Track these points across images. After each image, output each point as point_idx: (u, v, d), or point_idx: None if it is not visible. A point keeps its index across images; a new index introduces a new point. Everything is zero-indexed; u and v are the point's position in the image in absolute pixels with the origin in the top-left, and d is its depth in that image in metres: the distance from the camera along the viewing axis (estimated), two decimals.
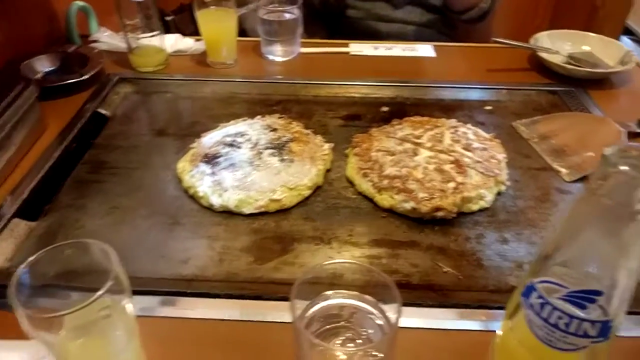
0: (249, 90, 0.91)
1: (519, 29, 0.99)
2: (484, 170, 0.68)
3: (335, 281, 0.41)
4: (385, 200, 0.65)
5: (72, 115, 0.81)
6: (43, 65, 0.91)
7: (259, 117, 0.80)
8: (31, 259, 0.36)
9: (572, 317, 0.31)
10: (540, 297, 0.32)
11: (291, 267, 0.58)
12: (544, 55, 0.95)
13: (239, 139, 0.72)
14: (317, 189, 0.69)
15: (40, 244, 0.60)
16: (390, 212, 0.65)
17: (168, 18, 1.51)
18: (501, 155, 0.72)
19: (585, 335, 0.31)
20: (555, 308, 0.31)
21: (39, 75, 0.89)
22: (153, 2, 0.90)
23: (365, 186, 0.67)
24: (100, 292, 0.34)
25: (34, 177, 0.69)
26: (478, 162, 0.69)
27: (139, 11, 0.90)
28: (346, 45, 1.05)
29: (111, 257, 0.36)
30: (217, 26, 0.93)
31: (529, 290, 0.33)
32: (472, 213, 0.65)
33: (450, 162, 0.68)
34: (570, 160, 0.74)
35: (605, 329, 0.31)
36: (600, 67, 0.94)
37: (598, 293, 0.30)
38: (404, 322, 0.37)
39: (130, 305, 0.38)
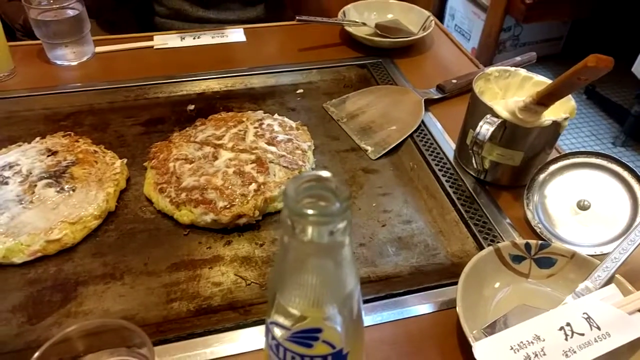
0: (31, 106, 0.78)
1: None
2: (288, 165, 0.65)
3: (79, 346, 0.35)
4: (185, 215, 0.60)
5: None
6: None
7: (38, 139, 0.69)
8: None
9: (302, 356, 0.29)
10: (273, 338, 0.29)
11: (74, 318, 0.50)
12: (350, 29, 0.94)
13: (6, 173, 0.61)
14: (110, 215, 0.61)
15: None
16: (193, 227, 0.60)
17: None
18: (306, 144, 0.70)
19: None
20: (287, 350, 0.29)
21: None
22: None
23: (163, 203, 0.61)
24: None
25: None
26: (282, 156, 0.66)
27: None
28: (150, 38, 0.95)
29: None
30: None
31: (267, 329, 0.30)
32: (279, 211, 0.62)
33: (252, 161, 0.64)
34: (376, 136, 0.74)
35: (339, 358, 0.29)
36: (404, 35, 0.95)
37: (317, 330, 0.28)
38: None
39: None
